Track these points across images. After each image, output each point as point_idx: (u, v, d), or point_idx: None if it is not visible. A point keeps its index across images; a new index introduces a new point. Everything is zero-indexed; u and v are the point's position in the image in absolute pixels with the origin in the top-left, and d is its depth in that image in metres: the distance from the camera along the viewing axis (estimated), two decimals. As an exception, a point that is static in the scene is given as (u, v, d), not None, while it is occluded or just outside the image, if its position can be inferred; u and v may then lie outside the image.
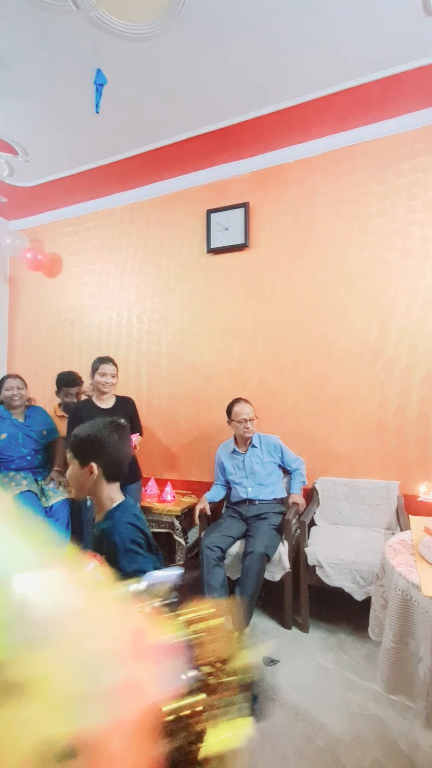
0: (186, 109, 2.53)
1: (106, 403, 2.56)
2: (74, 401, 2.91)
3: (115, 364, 2.56)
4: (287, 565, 2.24)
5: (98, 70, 2.19)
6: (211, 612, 0.64)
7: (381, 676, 1.28)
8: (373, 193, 2.69)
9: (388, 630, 1.25)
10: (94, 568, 0.90)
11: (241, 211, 3.03)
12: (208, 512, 2.60)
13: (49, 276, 3.89)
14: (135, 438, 2.47)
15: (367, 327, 2.68)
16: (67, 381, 2.91)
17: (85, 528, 2.48)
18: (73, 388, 2.91)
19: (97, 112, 2.28)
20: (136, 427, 2.61)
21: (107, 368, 2.51)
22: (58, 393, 2.95)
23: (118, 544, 1.07)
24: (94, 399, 2.55)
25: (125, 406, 2.61)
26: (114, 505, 1.17)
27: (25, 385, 2.69)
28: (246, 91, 2.39)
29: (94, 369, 2.52)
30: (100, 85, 2.21)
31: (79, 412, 2.50)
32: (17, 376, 2.69)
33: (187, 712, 0.48)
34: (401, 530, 2.26)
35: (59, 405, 3.00)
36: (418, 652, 1.19)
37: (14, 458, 2.57)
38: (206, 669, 0.53)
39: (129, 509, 1.16)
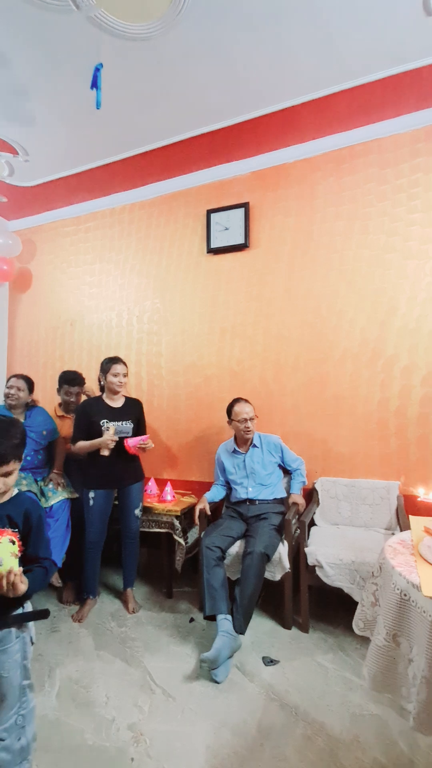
0: (186, 109, 2.53)
1: (116, 402, 2.56)
2: (73, 400, 2.90)
3: (125, 364, 2.56)
4: (287, 565, 2.24)
5: (97, 66, 2.17)
6: None
7: (368, 673, 1.27)
8: (373, 193, 2.70)
9: (381, 627, 1.25)
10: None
11: (241, 211, 3.03)
12: (208, 512, 2.60)
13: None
14: (140, 440, 2.47)
15: (367, 327, 2.68)
16: (68, 379, 2.91)
17: (88, 528, 2.48)
18: (74, 387, 2.91)
19: (98, 108, 2.28)
20: (142, 428, 2.63)
21: (119, 368, 2.51)
22: (59, 390, 2.96)
23: (44, 517, 1.34)
24: (104, 398, 2.55)
25: (134, 407, 2.62)
26: (17, 490, 1.32)
27: (29, 388, 2.67)
28: (246, 91, 2.39)
29: (106, 370, 2.52)
30: (96, 72, 2.18)
31: (88, 409, 2.51)
32: (21, 377, 2.67)
33: None
34: (401, 530, 2.26)
35: (59, 405, 3.00)
36: (410, 652, 1.18)
37: (14, 458, 2.57)
38: None
39: None
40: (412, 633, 1.18)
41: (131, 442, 2.43)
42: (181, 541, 2.62)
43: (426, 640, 1.11)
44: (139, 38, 2.04)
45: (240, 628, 2.05)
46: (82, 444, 2.44)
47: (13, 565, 1.08)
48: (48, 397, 3.29)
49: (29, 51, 2.12)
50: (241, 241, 3.02)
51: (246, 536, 2.39)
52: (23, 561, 1.18)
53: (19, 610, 1.23)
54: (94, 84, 2.18)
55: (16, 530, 1.20)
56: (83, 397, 2.95)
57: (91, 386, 3.01)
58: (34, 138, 2.81)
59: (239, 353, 3.05)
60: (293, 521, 2.35)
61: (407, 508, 2.41)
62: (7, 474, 1.20)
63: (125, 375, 2.54)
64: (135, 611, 2.48)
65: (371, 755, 1.46)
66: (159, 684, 1.86)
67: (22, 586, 1.08)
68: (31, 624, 1.27)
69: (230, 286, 3.10)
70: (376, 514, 2.53)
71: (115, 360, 2.54)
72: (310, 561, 2.19)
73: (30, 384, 2.68)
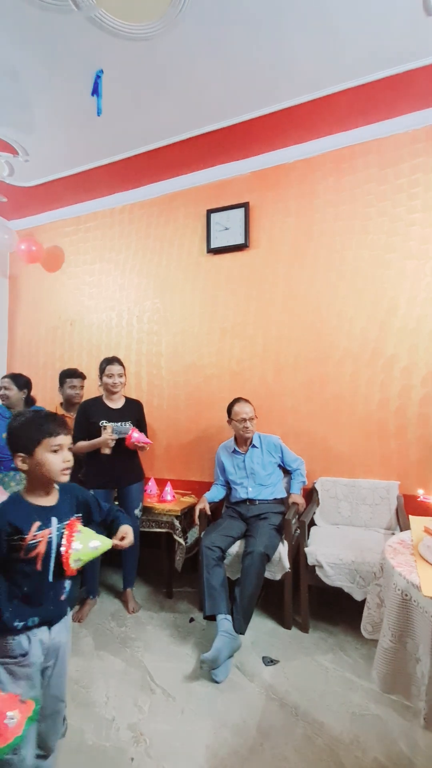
0: (186, 109, 2.53)
1: (116, 403, 2.57)
2: (77, 393, 2.92)
3: (121, 364, 2.57)
4: (287, 565, 2.24)
5: (98, 74, 2.18)
6: None
7: (378, 675, 1.28)
8: (373, 193, 2.69)
9: (386, 629, 1.25)
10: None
11: (241, 211, 3.03)
12: (208, 512, 2.60)
13: (50, 270, 3.88)
14: (143, 440, 2.47)
15: (367, 327, 2.68)
16: (71, 373, 2.95)
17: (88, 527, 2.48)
18: (76, 379, 2.94)
19: (99, 115, 2.28)
20: (142, 429, 2.63)
21: (113, 369, 2.52)
22: (61, 387, 2.96)
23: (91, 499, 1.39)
24: (104, 399, 2.56)
25: (134, 408, 2.63)
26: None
27: (18, 386, 2.67)
28: (246, 90, 2.39)
29: (101, 371, 2.55)
30: (97, 78, 2.19)
31: (88, 409, 2.51)
32: (9, 376, 2.69)
33: None
34: (401, 530, 2.26)
35: (61, 404, 3.00)
36: (416, 652, 1.19)
37: (15, 458, 2.57)
38: None
39: None
40: (416, 633, 1.18)
41: (135, 437, 2.43)
42: (181, 541, 2.62)
43: (430, 639, 1.12)
44: (139, 38, 2.04)
45: (240, 628, 2.05)
46: (82, 444, 2.45)
47: (105, 541, 1.24)
48: (48, 397, 3.29)
49: (29, 51, 2.12)
50: (241, 241, 3.02)
51: (246, 536, 2.39)
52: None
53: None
54: (95, 91, 2.19)
55: (80, 516, 1.28)
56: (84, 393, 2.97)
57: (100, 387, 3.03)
58: (34, 138, 2.81)
59: (239, 353, 3.05)
60: (293, 521, 2.35)
61: (407, 508, 2.40)
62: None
63: (120, 375, 2.54)
64: (135, 611, 2.48)
65: (371, 755, 1.46)
66: (159, 684, 1.86)
67: (131, 536, 1.32)
68: None
69: (230, 286, 3.10)
70: (376, 514, 2.53)
71: (110, 361, 2.55)
72: (310, 561, 2.19)
73: (20, 382, 2.69)
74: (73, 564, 1.16)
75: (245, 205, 3.02)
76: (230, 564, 2.33)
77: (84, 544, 1.18)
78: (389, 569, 1.32)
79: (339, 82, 2.32)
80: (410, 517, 1.73)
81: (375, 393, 2.64)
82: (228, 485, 2.73)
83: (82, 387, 2.96)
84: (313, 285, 2.84)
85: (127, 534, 1.31)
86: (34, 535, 1.12)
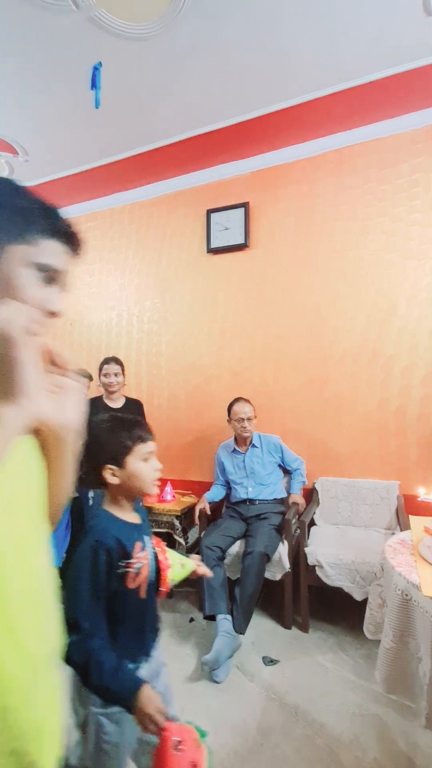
0: (186, 109, 2.53)
1: (116, 403, 2.58)
2: (86, 392, 2.94)
3: (119, 363, 2.58)
4: (287, 565, 2.24)
5: (96, 66, 2.18)
6: None
7: (380, 676, 1.28)
8: (373, 193, 2.69)
9: (388, 630, 1.25)
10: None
11: (241, 211, 3.03)
12: (208, 512, 2.60)
13: None
14: None
15: (367, 327, 2.68)
16: (79, 372, 2.96)
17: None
18: (85, 378, 2.95)
19: (97, 107, 2.28)
20: None
21: (110, 368, 2.54)
22: None
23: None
24: (104, 399, 2.57)
25: (134, 408, 2.64)
26: None
27: None
28: (246, 91, 2.38)
29: (99, 371, 2.57)
30: (95, 71, 2.19)
31: (87, 410, 2.51)
32: None
33: None
34: (401, 530, 2.26)
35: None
36: (418, 652, 1.19)
37: (14, 458, 2.58)
38: None
39: None
40: (417, 633, 1.18)
41: None
42: (182, 540, 2.62)
43: (430, 640, 1.12)
44: (139, 38, 2.04)
45: (240, 628, 2.05)
46: None
47: (188, 562, 1.17)
48: (48, 397, 3.28)
49: (29, 51, 2.12)
50: (241, 241, 3.02)
51: (246, 536, 2.39)
52: None
53: None
54: (93, 84, 2.19)
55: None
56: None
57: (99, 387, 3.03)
58: (34, 138, 2.81)
59: (239, 353, 3.05)
60: (293, 521, 2.35)
61: (407, 508, 2.40)
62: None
63: (117, 375, 2.56)
64: (135, 611, 2.48)
65: (371, 755, 1.46)
66: (159, 684, 1.86)
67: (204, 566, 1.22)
68: None
69: (230, 286, 3.10)
70: (376, 514, 2.53)
71: (107, 361, 2.58)
72: (310, 561, 2.19)
73: None
74: (170, 582, 1.06)
75: (245, 205, 3.02)
76: (230, 564, 2.33)
77: (174, 564, 1.08)
78: (389, 569, 1.32)
79: (339, 82, 2.32)
80: (410, 517, 1.73)
81: (375, 393, 2.64)
82: (228, 485, 2.73)
83: (88, 387, 2.97)
84: (313, 285, 2.84)
85: (201, 563, 1.20)
86: (138, 557, 0.96)
